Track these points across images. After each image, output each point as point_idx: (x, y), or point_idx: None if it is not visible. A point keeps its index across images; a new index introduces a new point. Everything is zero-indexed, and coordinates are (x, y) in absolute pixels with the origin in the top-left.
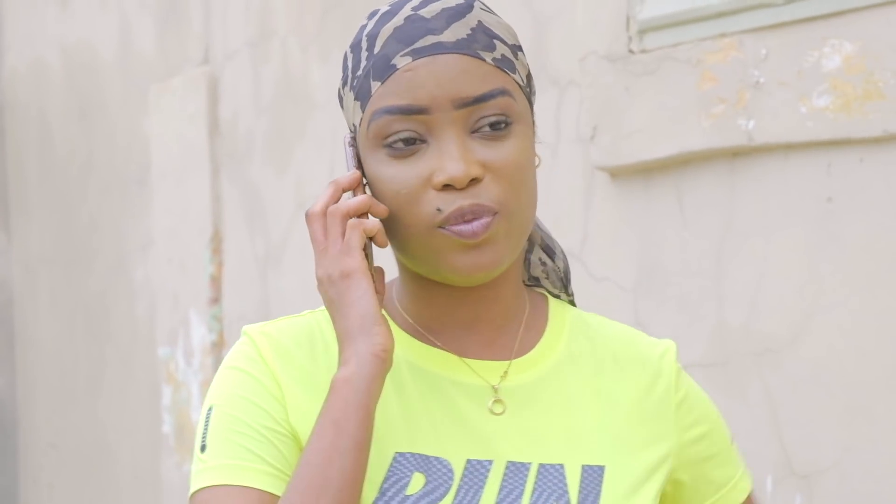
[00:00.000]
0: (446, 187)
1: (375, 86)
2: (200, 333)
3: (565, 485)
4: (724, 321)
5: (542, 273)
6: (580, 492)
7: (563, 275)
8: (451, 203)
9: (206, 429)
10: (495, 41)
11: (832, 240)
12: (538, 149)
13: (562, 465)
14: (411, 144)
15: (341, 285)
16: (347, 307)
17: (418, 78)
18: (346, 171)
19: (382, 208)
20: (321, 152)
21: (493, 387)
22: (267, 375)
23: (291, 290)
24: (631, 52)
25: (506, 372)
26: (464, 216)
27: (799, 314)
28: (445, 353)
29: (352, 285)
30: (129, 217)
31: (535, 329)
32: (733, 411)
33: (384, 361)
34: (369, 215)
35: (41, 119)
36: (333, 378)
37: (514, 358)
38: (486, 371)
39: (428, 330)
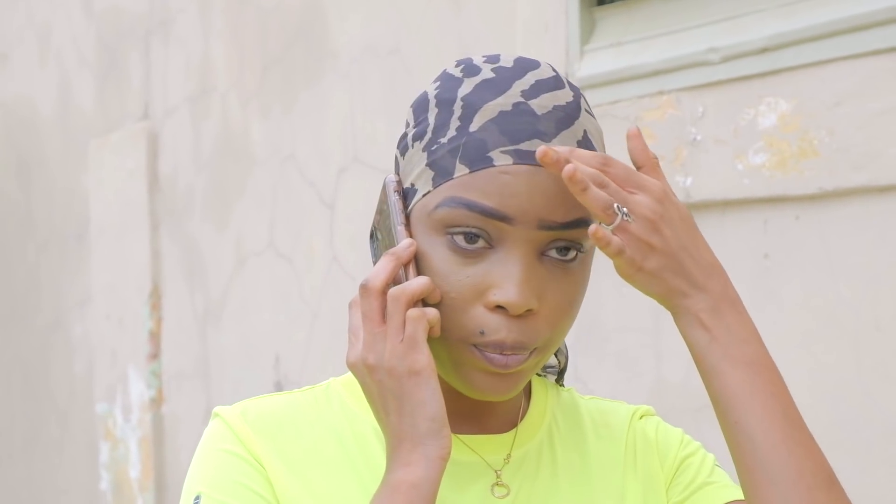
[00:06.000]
0: (498, 308)
1: (461, 169)
2: (139, 389)
3: None
4: (663, 377)
5: None
6: None
7: (561, 368)
8: (496, 331)
9: None
10: None
11: (769, 296)
12: None
13: None
14: (474, 242)
15: (408, 382)
16: (415, 406)
17: (514, 185)
18: (376, 214)
19: (438, 295)
20: (261, 208)
21: (495, 471)
22: (253, 457)
23: (230, 345)
24: None
25: (508, 451)
26: (502, 350)
27: None
28: None
29: (421, 384)
30: (67, 273)
31: (522, 400)
32: None
33: (446, 463)
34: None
35: None
36: (393, 478)
37: (501, 433)
38: (483, 447)
39: None
